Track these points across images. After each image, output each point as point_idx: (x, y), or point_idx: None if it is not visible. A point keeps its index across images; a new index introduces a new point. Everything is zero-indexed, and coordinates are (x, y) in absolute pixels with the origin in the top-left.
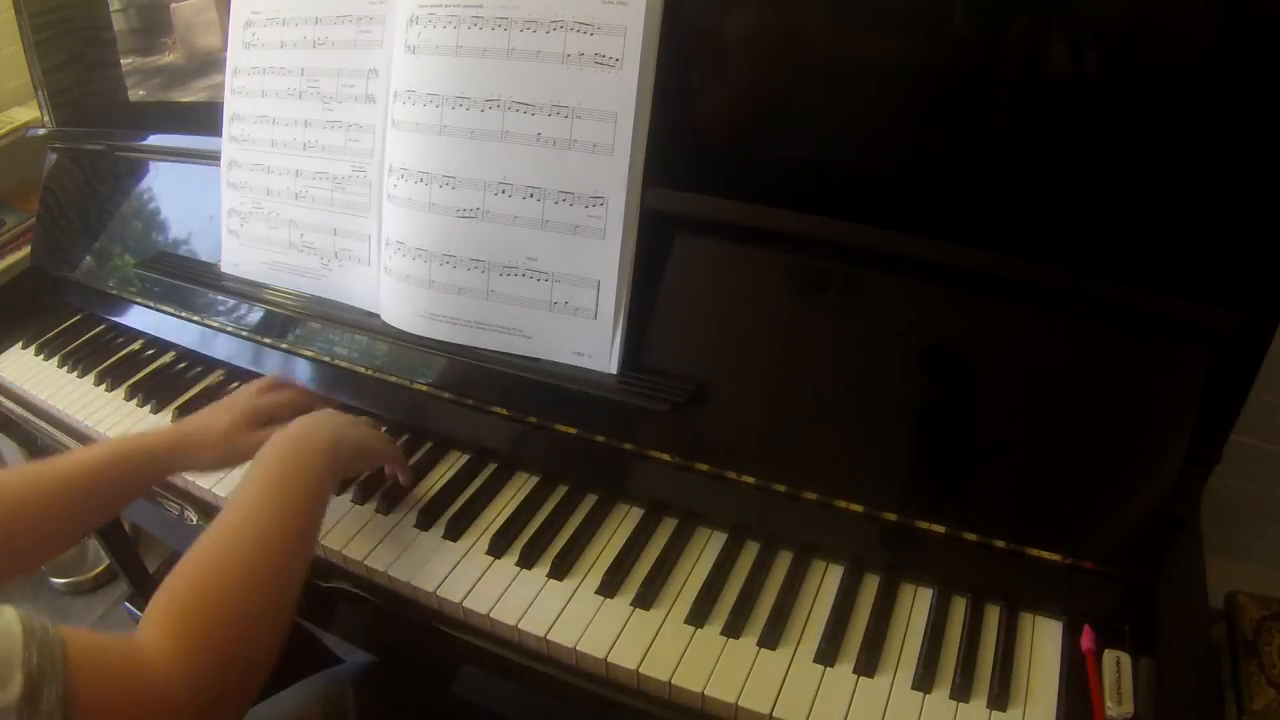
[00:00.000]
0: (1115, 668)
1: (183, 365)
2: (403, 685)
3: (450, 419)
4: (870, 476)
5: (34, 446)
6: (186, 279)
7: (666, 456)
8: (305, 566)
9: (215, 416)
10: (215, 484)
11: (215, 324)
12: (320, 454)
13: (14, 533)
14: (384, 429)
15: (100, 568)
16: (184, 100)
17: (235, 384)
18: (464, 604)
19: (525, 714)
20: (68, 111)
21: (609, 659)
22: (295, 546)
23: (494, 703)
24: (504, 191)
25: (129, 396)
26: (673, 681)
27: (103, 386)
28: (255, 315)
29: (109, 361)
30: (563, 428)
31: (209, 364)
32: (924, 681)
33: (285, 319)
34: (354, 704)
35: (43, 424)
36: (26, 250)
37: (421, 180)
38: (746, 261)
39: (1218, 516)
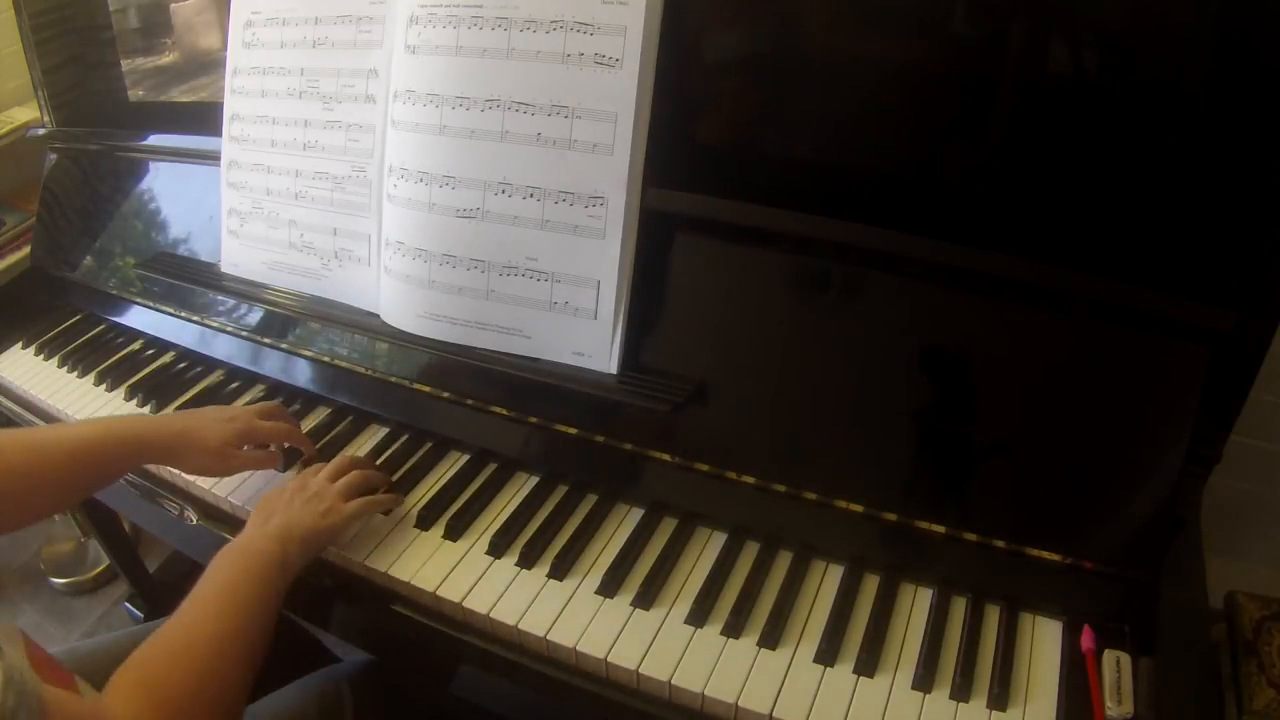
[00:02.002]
0: (1115, 668)
1: (183, 365)
2: (400, 684)
3: (450, 419)
4: (870, 476)
5: None
6: (186, 279)
7: (666, 456)
8: (257, 656)
9: (214, 426)
10: (214, 485)
11: (215, 324)
12: (268, 567)
13: (10, 493)
14: (383, 430)
15: (100, 568)
16: (184, 100)
17: (235, 384)
18: (464, 604)
19: (525, 714)
20: (68, 111)
21: (609, 659)
22: (245, 641)
23: (493, 702)
24: (504, 191)
25: (129, 396)
26: (673, 681)
27: (103, 386)
28: (255, 315)
29: (109, 361)
30: (563, 428)
31: (209, 364)
32: (924, 681)
33: (285, 319)
34: (351, 703)
35: (43, 424)
36: (26, 250)
37: (421, 180)
38: (746, 261)
39: (1218, 516)
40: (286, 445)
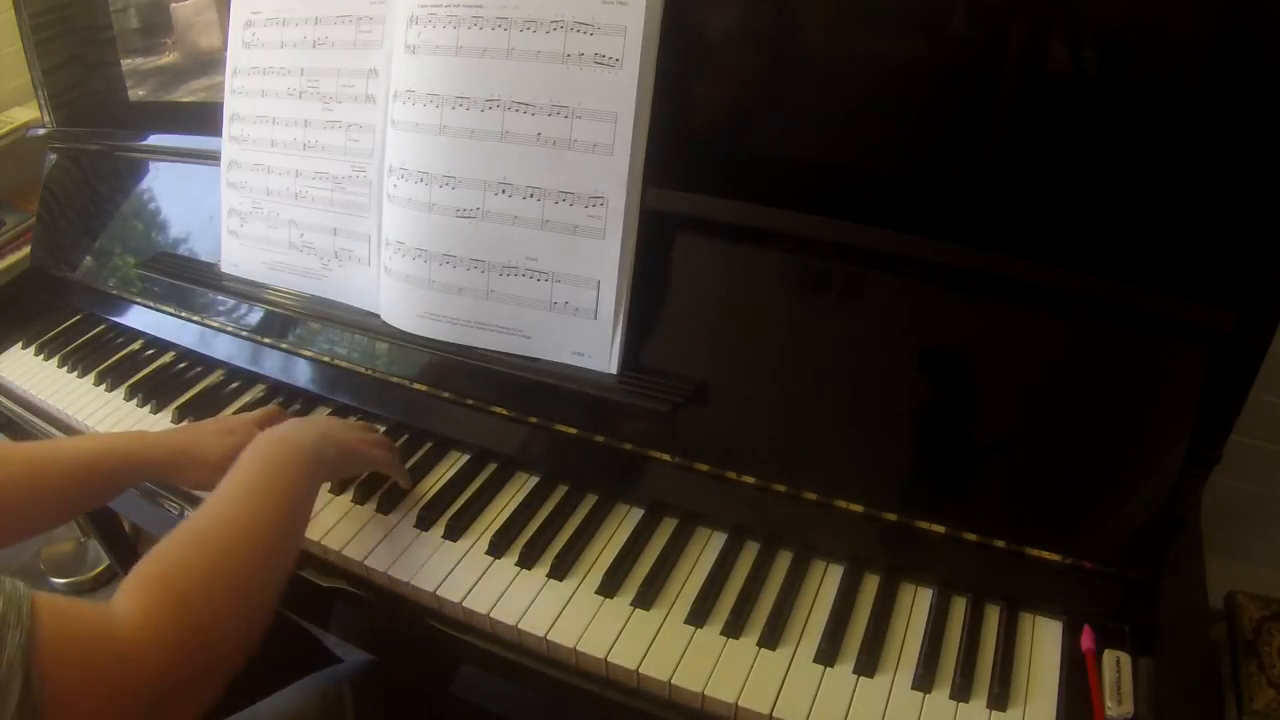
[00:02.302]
0: (1115, 668)
1: (183, 365)
2: (401, 685)
3: (450, 419)
4: (870, 476)
5: None
6: (186, 279)
7: (666, 456)
8: (286, 564)
9: (214, 440)
10: None
11: (215, 324)
12: (302, 456)
13: (9, 507)
14: (382, 430)
15: (100, 568)
16: (184, 100)
17: (235, 384)
18: (464, 604)
19: (525, 714)
20: (68, 111)
21: (609, 659)
22: (273, 541)
23: (493, 702)
24: (504, 191)
25: (129, 396)
26: (673, 681)
27: (103, 386)
28: (255, 315)
29: (109, 361)
30: (563, 428)
31: (209, 364)
32: (924, 681)
33: (285, 319)
34: (352, 703)
35: (43, 424)
36: (26, 250)
37: (421, 180)
38: (746, 261)
39: (1218, 516)
40: None
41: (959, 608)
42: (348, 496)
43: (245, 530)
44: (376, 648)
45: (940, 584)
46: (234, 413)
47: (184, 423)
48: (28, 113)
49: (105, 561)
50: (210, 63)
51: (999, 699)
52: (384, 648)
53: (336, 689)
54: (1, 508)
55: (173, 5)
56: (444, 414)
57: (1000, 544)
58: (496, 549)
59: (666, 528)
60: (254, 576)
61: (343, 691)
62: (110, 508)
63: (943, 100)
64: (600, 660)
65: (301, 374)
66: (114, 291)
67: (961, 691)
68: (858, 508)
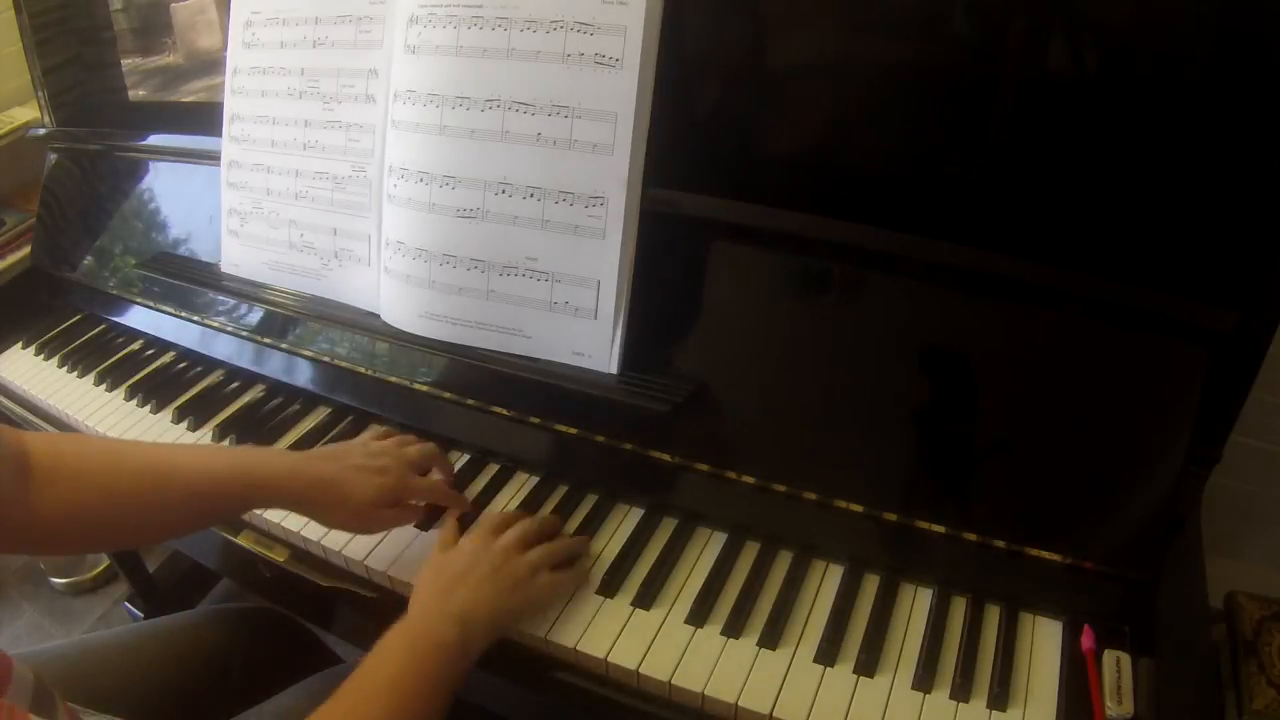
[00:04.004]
0: (1115, 668)
1: (183, 365)
2: None
3: (450, 419)
4: (870, 477)
5: None
6: (186, 279)
7: (666, 456)
8: None
9: (364, 480)
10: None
11: (215, 324)
12: (451, 655)
13: (114, 508)
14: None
15: (100, 568)
16: (184, 100)
17: (235, 384)
18: None
19: (525, 714)
20: (68, 111)
21: (609, 659)
22: None
23: (494, 703)
24: (504, 191)
25: (129, 396)
26: (673, 681)
27: (103, 386)
28: (255, 315)
29: (109, 361)
30: (563, 428)
31: (209, 364)
32: (924, 681)
33: (285, 319)
34: None
35: (42, 424)
36: (26, 250)
37: (422, 180)
38: (746, 261)
39: (1218, 516)
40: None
41: (959, 608)
42: None
43: None
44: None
45: (940, 584)
46: (231, 412)
47: (203, 425)
48: (28, 113)
49: (105, 561)
50: (210, 63)
51: (999, 699)
52: None
53: None
54: (110, 514)
55: (173, 5)
56: (444, 414)
57: (1000, 544)
58: None
59: (666, 528)
60: None
61: None
62: None
63: (943, 100)
64: (600, 660)
65: (301, 374)
66: (114, 291)
67: (961, 691)
68: (858, 508)
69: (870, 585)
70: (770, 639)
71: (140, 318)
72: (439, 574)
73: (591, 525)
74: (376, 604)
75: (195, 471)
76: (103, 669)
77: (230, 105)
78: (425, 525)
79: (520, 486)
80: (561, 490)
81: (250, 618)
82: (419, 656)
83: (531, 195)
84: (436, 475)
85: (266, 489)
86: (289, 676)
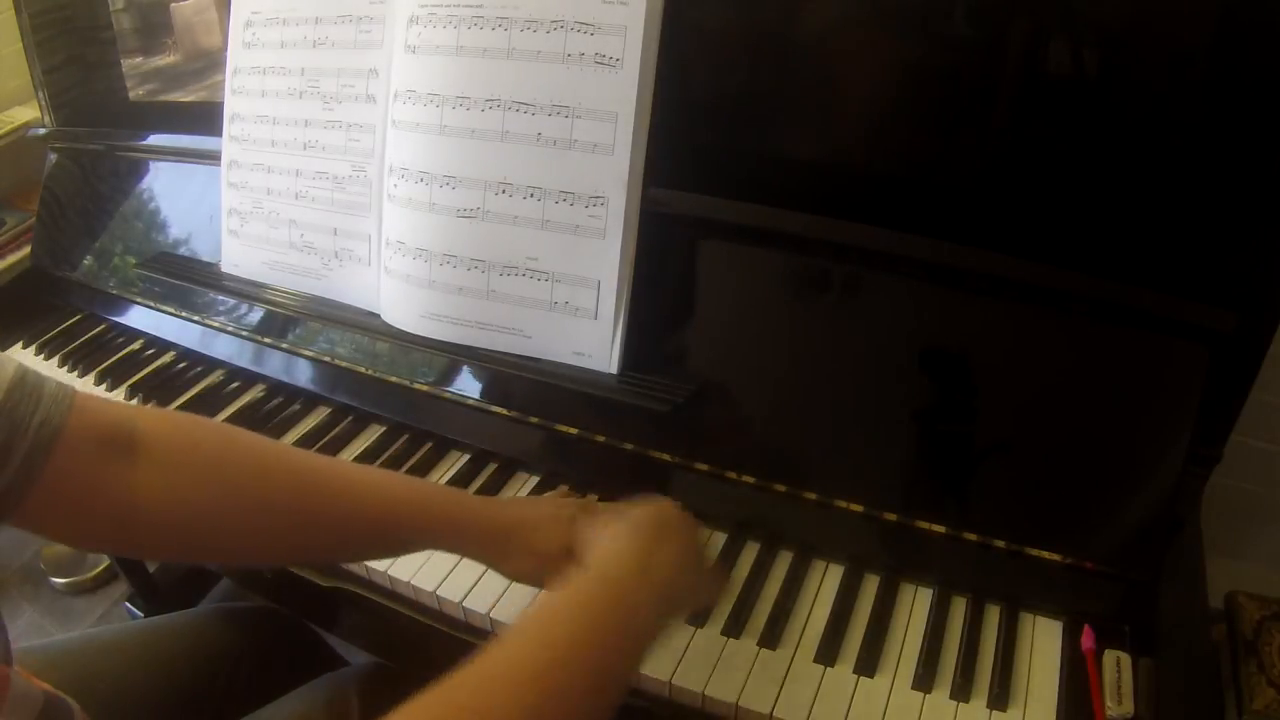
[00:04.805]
0: (1115, 668)
1: (183, 365)
2: (406, 686)
3: (450, 419)
4: (870, 476)
5: None
6: (186, 279)
7: (666, 456)
8: None
9: (551, 530)
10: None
11: (215, 324)
12: (648, 626)
13: (240, 510)
14: (382, 430)
15: (100, 568)
16: (184, 100)
17: (235, 384)
18: (464, 604)
19: None
20: (68, 111)
21: None
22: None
23: None
24: (504, 191)
25: (129, 396)
26: (673, 681)
27: (103, 386)
28: (255, 315)
29: (109, 361)
30: (563, 428)
31: (209, 364)
32: (924, 681)
33: (285, 319)
34: (358, 706)
35: None
36: (26, 250)
37: (422, 180)
38: (746, 261)
39: (1218, 516)
40: None
41: (959, 608)
42: None
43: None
44: (380, 649)
45: (940, 584)
46: (232, 412)
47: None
48: (28, 113)
49: (105, 561)
50: (210, 63)
51: (999, 699)
52: (387, 649)
53: (343, 692)
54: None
55: (173, 5)
56: (444, 414)
57: (1000, 544)
58: None
59: None
60: None
61: (349, 694)
62: None
63: (943, 99)
64: None
65: (302, 374)
66: (114, 291)
67: (961, 691)
68: (858, 508)
69: (870, 585)
70: (770, 639)
71: (140, 317)
72: (638, 528)
73: None
74: (378, 605)
75: (366, 487)
76: (103, 668)
77: (230, 105)
78: None
79: (520, 487)
80: (561, 490)
81: (251, 617)
82: (610, 612)
83: (532, 195)
84: None
85: (446, 534)
86: (290, 676)
